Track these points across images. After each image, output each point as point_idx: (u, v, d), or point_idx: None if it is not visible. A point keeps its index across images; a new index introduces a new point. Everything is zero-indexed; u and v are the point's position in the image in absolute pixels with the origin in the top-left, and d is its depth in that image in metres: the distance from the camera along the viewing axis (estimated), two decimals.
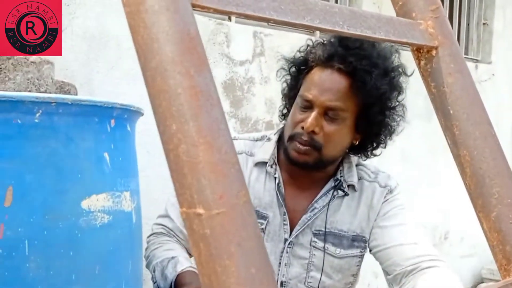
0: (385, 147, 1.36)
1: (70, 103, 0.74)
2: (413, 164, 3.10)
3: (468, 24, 3.92)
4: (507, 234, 0.64)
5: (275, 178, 1.33)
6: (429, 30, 0.70)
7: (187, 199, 0.42)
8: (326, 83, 1.23)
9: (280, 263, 1.33)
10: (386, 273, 1.32)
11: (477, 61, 3.79)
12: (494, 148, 0.67)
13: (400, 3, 0.71)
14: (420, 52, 0.70)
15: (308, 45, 1.33)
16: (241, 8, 0.49)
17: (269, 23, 2.47)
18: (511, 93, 4.02)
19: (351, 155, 1.39)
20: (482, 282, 3.66)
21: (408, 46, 0.69)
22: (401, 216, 1.34)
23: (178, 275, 1.21)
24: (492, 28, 3.98)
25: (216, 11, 0.48)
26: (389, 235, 1.32)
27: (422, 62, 0.71)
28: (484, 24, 3.98)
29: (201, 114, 0.42)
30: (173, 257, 1.25)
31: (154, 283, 1.25)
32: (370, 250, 1.37)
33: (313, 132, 1.23)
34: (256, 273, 0.40)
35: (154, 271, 1.25)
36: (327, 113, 1.23)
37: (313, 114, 1.23)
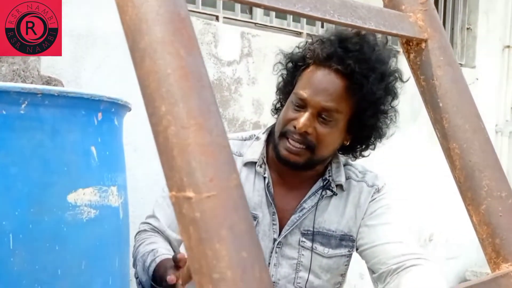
0: (374, 149, 1.35)
1: (56, 94, 0.73)
2: (398, 166, 3.11)
3: (452, 29, 3.95)
4: (497, 227, 0.63)
5: (264, 178, 1.32)
6: (418, 22, 0.69)
7: (176, 182, 0.40)
8: (322, 83, 1.21)
9: (269, 263, 1.32)
10: (372, 271, 1.32)
11: (461, 65, 3.83)
12: (483, 141, 0.67)
13: None
14: (409, 45, 0.70)
15: (307, 41, 1.31)
16: None
17: (257, 24, 2.47)
18: (495, 98, 4.07)
19: (339, 155, 1.38)
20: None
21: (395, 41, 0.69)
22: (388, 215, 1.34)
23: (156, 265, 1.19)
24: (476, 32, 4.02)
25: None
26: (375, 233, 1.31)
27: (412, 55, 0.70)
28: (468, 28, 4.02)
29: (191, 95, 0.41)
30: (152, 249, 1.23)
31: (136, 278, 1.23)
32: (357, 249, 1.37)
33: (306, 132, 1.22)
34: (248, 257, 0.39)
35: (136, 267, 1.24)
36: (321, 114, 1.22)
37: (307, 114, 1.21)
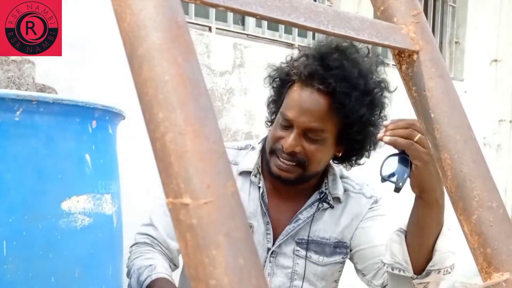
0: (368, 156, 1.36)
1: (51, 102, 0.73)
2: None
3: (441, 42, 4.00)
4: (488, 237, 0.64)
5: (259, 187, 1.33)
6: (410, 34, 0.70)
7: (173, 188, 0.41)
8: (305, 104, 1.22)
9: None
10: (364, 273, 1.32)
11: None
12: (474, 151, 0.67)
13: (382, 8, 0.72)
14: (401, 56, 0.71)
15: (292, 57, 1.33)
16: (227, 2, 0.49)
17: (249, 35, 2.48)
18: (483, 110, 4.11)
19: (334, 167, 1.39)
20: None
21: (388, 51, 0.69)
22: (386, 220, 1.36)
23: (151, 282, 1.18)
24: (464, 46, 4.07)
25: (203, 2, 0.48)
26: (374, 234, 1.33)
27: (404, 66, 0.71)
28: (456, 42, 4.07)
29: (188, 102, 0.41)
30: (150, 265, 1.22)
31: None
32: (351, 250, 1.37)
33: (293, 152, 1.23)
34: (245, 264, 0.40)
35: (130, 278, 1.23)
36: (307, 133, 1.23)
37: (293, 134, 1.22)
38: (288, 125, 1.24)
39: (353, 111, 1.20)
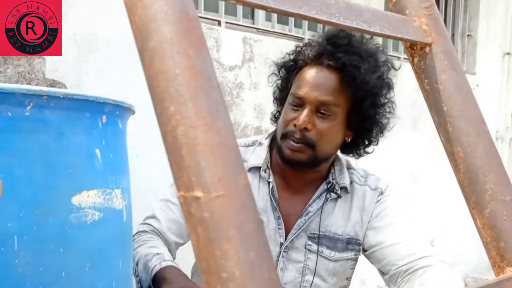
0: (377, 144, 1.37)
1: (62, 97, 0.73)
2: (398, 173, 3.11)
3: (453, 35, 3.97)
4: (501, 231, 0.63)
5: (269, 182, 1.33)
6: (422, 27, 0.70)
7: (185, 182, 0.40)
8: (316, 80, 1.24)
9: (276, 267, 1.32)
10: (382, 273, 1.33)
11: None
12: (487, 144, 0.67)
13: (394, 0, 0.72)
14: (413, 49, 0.70)
15: (296, 47, 1.34)
16: None
17: (259, 29, 2.48)
18: (495, 104, 4.07)
19: (341, 157, 1.39)
20: None
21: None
22: (394, 215, 1.35)
23: (160, 269, 1.19)
24: (476, 39, 4.03)
25: None
26: (383, 235, 1.32)
27: (416, 59, 0.71)
28: (468, 35, 4.03)
29: (200, 95, 0.41)
30: (158, 253, 1.24)
31: (136, 276, 1.23)
32: (365, 251, 1.37)
33: (305, 129, 1.24)
34: (256, 257, 0.40)
35: (137, 264, 1.24)
36: (319, 109, 1.24)
37: (305, 111, 1.23)
38: (299, 104, 1.25)
39: (363, 83, 1.22)
